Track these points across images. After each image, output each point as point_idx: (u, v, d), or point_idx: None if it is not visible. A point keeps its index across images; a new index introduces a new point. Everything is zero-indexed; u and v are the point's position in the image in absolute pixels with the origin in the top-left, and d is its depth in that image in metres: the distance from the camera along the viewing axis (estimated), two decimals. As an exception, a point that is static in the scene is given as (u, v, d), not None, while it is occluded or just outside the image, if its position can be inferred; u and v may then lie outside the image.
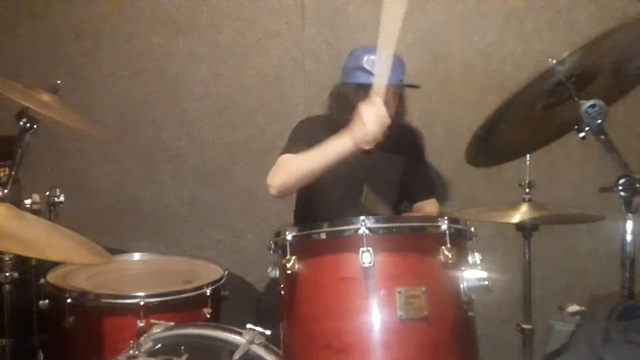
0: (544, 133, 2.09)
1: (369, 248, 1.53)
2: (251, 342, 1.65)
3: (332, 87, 2.46)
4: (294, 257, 1.61)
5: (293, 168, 2.20)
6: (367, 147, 2.03)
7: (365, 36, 2.92)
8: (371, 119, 1.99)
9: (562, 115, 1.91)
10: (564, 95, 1.82)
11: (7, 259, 1.97)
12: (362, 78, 2.27)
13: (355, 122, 2.02)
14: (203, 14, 3.09)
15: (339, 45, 2.96)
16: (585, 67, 1.77)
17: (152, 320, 1.88)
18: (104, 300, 2.03)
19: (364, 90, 2.20)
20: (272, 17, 3.04)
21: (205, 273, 2.33)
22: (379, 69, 2.05)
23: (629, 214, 1.69)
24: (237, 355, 1.61)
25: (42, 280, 2.15)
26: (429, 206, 2.57)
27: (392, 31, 1.97)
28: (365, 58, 2.28)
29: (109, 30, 3.16)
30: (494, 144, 2.05)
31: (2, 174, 2.49)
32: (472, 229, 1.72)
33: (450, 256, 1.56)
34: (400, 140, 2.48)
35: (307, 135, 2.37)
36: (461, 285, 1.60)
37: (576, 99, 1.76)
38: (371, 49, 2.27)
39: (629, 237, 1.70)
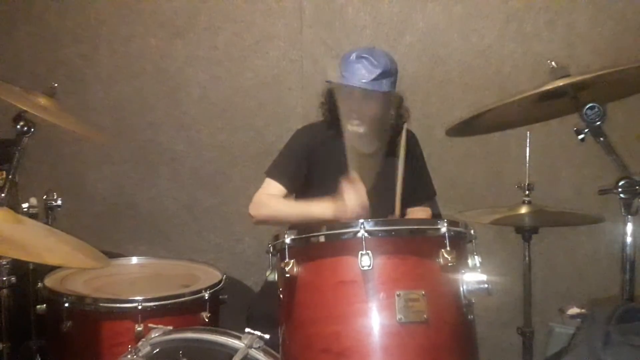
0: (535, 116, 2.13)
1: (368, 251, 1.52)
2: (250, 346, 1.64)
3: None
4: (292, 261, 1.60)
5: (276, 214, 2.34)
6: (346, 220, 2.10)
7: (363, 38, 2.93)
8: (352, 198, 2.10)
9: (556, 106, 1.91)
10: (560, 94, 1.82)
11: (4, 263, 1.96)
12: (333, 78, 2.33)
13: (338, 198, 2.13)
14: (201, 16, 3.08)
15: (337, 47, 2.95)
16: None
17: (150, 325, 1.87)
18: (101, 304, 2.03)
19: (336, 90, 2.29)
20: (270, 19, 3.03)
21: (204, 277, 2.32)
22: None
23: (629, 216, 1.69)
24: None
25: (39, 285, 2.14)
26: (420, 212, 2.56)
27: None
28: (347, 56, 2.31)
29: (107, 33, 3.16)
30: (479, 121, 2.06)
31: (-1, 177, 2.48)
32: (472, 232, 1.71)
33: (449, 259, 1.55)
34: (400, 144, 2.47)
35: (303, 147, 2.43)
36: (461, 288, 1.60)
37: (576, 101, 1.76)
38: (358, 50, 2.31)
39: (629, 239, 1.70)
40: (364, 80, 2.27)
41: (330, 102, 2.37)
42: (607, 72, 1.72)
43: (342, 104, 2.29)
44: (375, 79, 2.27)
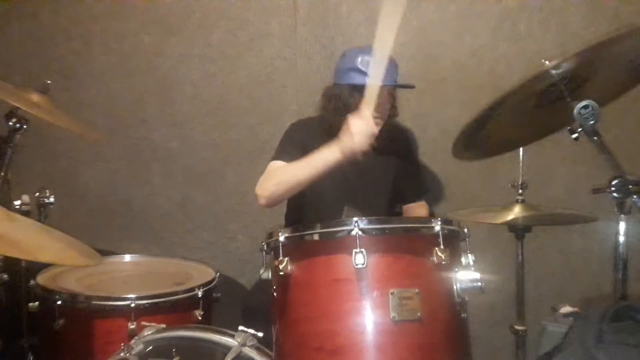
0: (534, 130, 2.10)
1: (362, 249, 1.52)
2: (243, 345, 1.64)
3: (324, 88, 2.46)
4: (286, 259, 1.61)
5: (282, 179, 2.18)
6: (354, 158, 2.03)
7: (357, 37, 2.92)
8: (360, 130, 1.99)
9: (553, 115, 1.91)
10: (556, 96, 1.82)
11: (-4, 260, 1.96)
12: (356, 79, 2.28)
13: (344, 133, 2.03)
14: (195, 13, 3.07)
15: (331, 45, 2.95)
16: (579, 69, 1.77)
17: (143, 323, 1.87)
18: (94, 302, 2.02)
19: (359, 91, 2.24)
20: (264, 17, 3.03)
21: (197, 275, 2.32)
22: (373, 75, 2.05)
23: (622, 215, 1.69)
24: (229, 358, 1.60)
25: (31, 282, 2.14)
26: (419, 208, 2.58)
27: (389, 34, 1.98)
28: (360, 59, 2.28)
29: (100, 30, 3.14)
30: (482, 139, 2.05)
31: (-9, 174, 2.47)
32: (465, 230, 1.72)
33: (443, 257, 1.55)
34: (393, 141, 2.49)
35: (299, 139, 2.39)
36: (454, 287, 1.60)
37: (569, 99, 1.76)
38: (365, 50, 2.29)
39: (621, 239, 1.71)
40: (394, 77, 2.31)
41: (335, 102, 2.34)
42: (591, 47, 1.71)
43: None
44: (396, 76, 2.33)
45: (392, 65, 2.30)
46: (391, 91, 2.36)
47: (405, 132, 2.73)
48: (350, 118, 2.02)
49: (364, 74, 2.25)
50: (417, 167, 2.67)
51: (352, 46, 2.48)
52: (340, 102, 2.31)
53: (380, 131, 2.42)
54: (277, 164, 2.28)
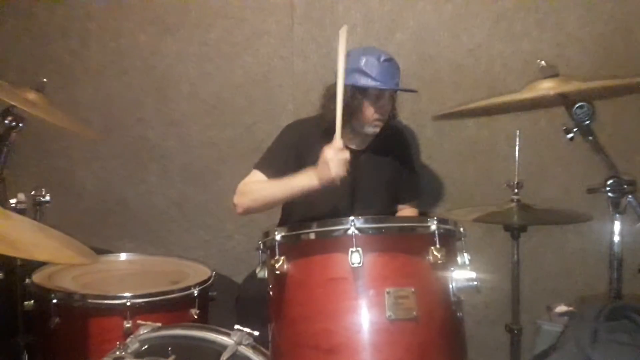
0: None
1: (358, 248, 1.53)
2: (239, 343, 1.64)
3: (324, 87, 2.46)
4: (282, 258, 1.61)
5: (259, 195, 2.29)
6: (331, 185, 2.08)
7: (354, 36, 2.92)
8: (334, 162, 2.06)
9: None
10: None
11: (-9, 259, 1.95)
12: (359, 80, 2.28)
13: (320, 164, 2.09)
14: (191, 12, 3.07)
15: (327, 44, 2.95)
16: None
17: (139, 321, 1.87)
18: (90, 300, 2.02)
19: (361, 92, 2.25)
20: (261, 16, 3.03)
21: (193, 273, 2.32)
22: (338, 109, 2.11)
23: (617, 215, 1.70)
24: (225, 356, 1.60)
25: (27, 281, 2.13)
26: (408, 211, 2.58)
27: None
28: (364, 60, 2.29)
29: (96, 29, 3.14)
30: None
31: (-14, 173, 2.46)
32: (461, 230, 1.72)
33: (439, 256, 1.56)
34: (390, 142, 2.49)
35: (292, 144, 2.41)
36: (450, 286, 1.61)
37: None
38: (368, 51, 2.32)
39: (616, 238, 1.72)
40: (396, 81, 2.32)
41: (345, 104, 2.34)
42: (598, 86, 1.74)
43: (367, 108, 2.30)
44: (398, 79, 2.33)
45: (395, 68, 2.31)
46: (392, 94, 2.37)
47: (404, 133, 2.73)
48: (324, 149, 2.08)
49: (367, 75, 2.27)
50: (413, 170, 2.67)
51: (348, 46, 2.48)
52: (348, 102, 2.32)
53: (379, 132, 2.44)
54: (259, 176, 2.33)
